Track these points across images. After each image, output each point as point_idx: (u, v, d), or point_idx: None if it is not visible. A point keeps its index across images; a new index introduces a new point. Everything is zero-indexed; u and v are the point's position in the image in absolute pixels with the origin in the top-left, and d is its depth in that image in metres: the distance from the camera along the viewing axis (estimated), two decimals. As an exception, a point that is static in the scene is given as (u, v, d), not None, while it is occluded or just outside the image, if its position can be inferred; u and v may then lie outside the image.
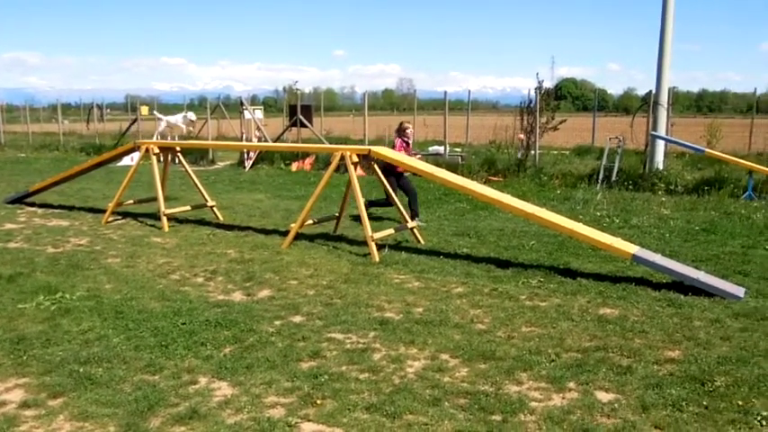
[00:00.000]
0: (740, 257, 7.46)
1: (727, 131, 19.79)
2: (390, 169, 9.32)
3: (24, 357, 4.72)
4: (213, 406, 3.97)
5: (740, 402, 3.90)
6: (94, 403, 4.01)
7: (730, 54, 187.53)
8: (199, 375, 4.42)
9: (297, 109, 19.61)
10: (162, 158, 10.58)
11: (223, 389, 4.22)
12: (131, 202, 10.76)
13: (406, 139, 9.96)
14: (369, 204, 9.74)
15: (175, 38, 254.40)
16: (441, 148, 17.90)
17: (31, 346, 4.92)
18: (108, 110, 37.49)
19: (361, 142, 18.86)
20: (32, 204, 11.78)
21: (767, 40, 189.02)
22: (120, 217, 10.34)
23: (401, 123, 10.27)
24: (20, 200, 12.02)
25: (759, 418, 3.70)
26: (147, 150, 10.16)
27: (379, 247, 7.80)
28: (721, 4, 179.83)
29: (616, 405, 3.91)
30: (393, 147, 9.95)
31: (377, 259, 7.43)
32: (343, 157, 8.21)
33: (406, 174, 9.74)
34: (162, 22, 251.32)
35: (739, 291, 6.05)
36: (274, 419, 3.80)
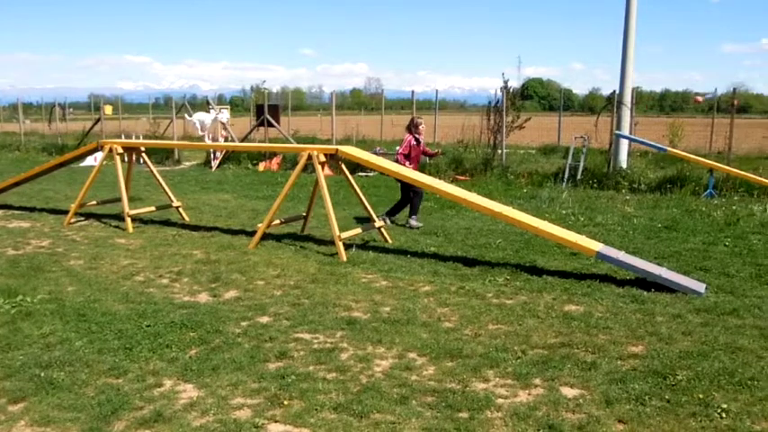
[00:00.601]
0: (701, 254, 7.62)
1: (689, 131, 20.22)
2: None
3: (-17, 362, 4.61)
4: (178, 409, 3.93)
5: (701, 396, 3.97)
6: (56, 408, 3.93)
7: (692, 55, 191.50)
8: (164, 378, 4.36)
9: (264, 108, 19.49)
10: (126, 158, 10.42)
11: (189, 391, 4.17)
12: (94, 202, 10.58)
13: (417, 135, 9.67)
14: (389, 214, 9.69)
15: (140, 36, 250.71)
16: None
17: (-9, 351, 4.81)
18: (71, 109, 36.84)
19: (329, 142, 18.82)
20: (-8, 206, 11.52)
21: (728, 41, 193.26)
22: (82, 218, 10.17)
23: (413, 119, 9.93)
24: (-21, 201, 11.73)
25: (719, 411, 3.78)
26: (110, 150, 10.00)
27: (347, 246, 7.80)
28: (684, 7, 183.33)
29: (581, 400, 3.96)
30: (402, 141, 9.80)
31: (344, 259, 7.42)
32: (310, 157, 8.18)
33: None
34: (126, 20, 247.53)
35: (700, 286, 6.17)
36: (241, 421, 3.77)
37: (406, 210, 9.62)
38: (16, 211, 11.03)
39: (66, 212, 10.19)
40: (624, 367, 4.44)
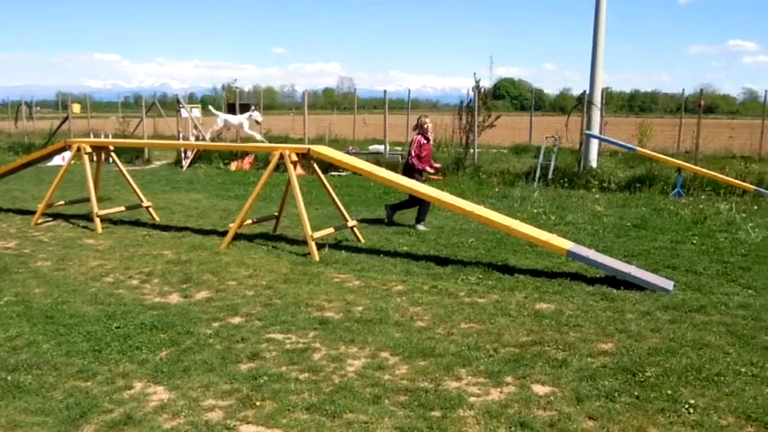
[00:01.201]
0: (669, 252, 7.74)
1: (658, 130, 20.53)
2: (412, 168, 9.38)
3: (-53, 366, 4.52)
4: (149, 411, 3.88)
5: (669, 392, 4.04)
6: (23, 412, 3.86)
7: (661, 56, 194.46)
8: (134, 380, 4.31)
9: (236, 107, 19.34)
10: (95, 158, 10.27)
11: (159, 393, 4.13)
12: (62, 203, 10.41)
13: (426, 134, 9.59)
14: (392, 209, 9.65)
15: (109, 34, 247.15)
16: (381, 147, 17.94)
17: (-45, 355, 4.71)
18: (38, 108, 36.23)
19: (302, 141, 18.74)
20: (-44, 206, 11.28)
21: (695, 43, 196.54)
22: (50, 219, 9.99)
23: (418, 118, 9.84)
24: (-58, 202, 11.48)
25: (687, 407, 3.84)
26: (78, 149, 9.85)
27: (320, 246, 7.78)
28: (653, 8, 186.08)
29: (552, 398, 4.00)
30: (411, 143, 9.65)
31: (317, 258, 7.40)
32: (282, 157, 8.15)
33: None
34: (95, 18, 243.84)
35: (668, 284, 6.27)
36: (212, 423, 3.74)
37: (410, 212, 9.56)
38: (-19, 212, 10.81)
39: (33, 213, 10.01)
40: (594, 364, 4.49)
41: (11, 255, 7.78)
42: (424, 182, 9.34)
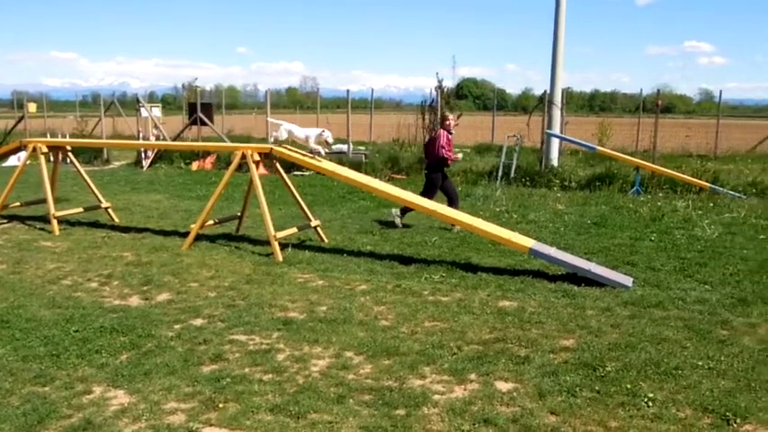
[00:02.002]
0: (628, 249, 7.88)
1: (617, 130, 20.88)
2: (443, 162, 9.33)
3: None
4: (109, 416, 3.81)
5: (629, 386, 4.11)
6: (-23, 419, 3.76)
7: (620, 57, 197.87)
8: (93, 384, 4.23)
9: (197, 107, 19.13)
10: (51, 158, 10.05)
11: (120, 397, 4.06)
12: (18, 204, 10.15)
13: (450, 129, 9.56)
14: (402, 211, 9.29)
15: (67, 31, 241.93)
16: (344, 147, 17.92)
17: None
18: (-8, 107, 35.32)
19: (264, 141, 18.61)
20: None
21: (653, 43, 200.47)
22: (5, 221, 9.74)
23: (443, 115, 9.93)
24: None
25: (646, 400, 3.91)
26: (34, 149, 9.62)
27: (283, 246, 7.73)
28: (612, 9, 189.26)
29: (515, 394, 4.04)
30: (436, 140, 9.44)
31: (280, 259, 7.35)
32: (244, 156, 8.07)
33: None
34: (52, 15, 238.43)
35: (628, 280, 6.38)
36: (174, 426, 3.68)
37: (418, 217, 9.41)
38: (-67, 214, 10.49)
39: (-13, 215, 9.75)
40: (556, 360, 4.55)
41: (-36, 258, 7.57)
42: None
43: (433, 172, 9.43)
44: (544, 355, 4.65)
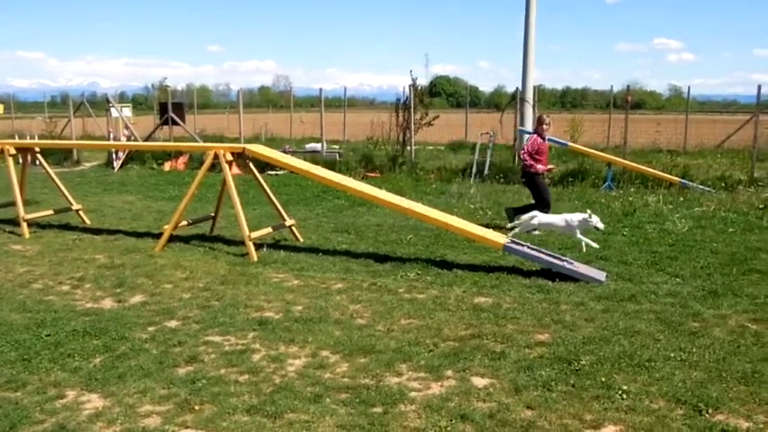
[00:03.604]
0: (601, 244, 7.95)
1: (588, 126, 21.07)
2: (532, 171, 8.86)
3: None
4: (83, 420, 3.76)
5: (603, 379, 4.16)
6: (-54, 426, 3.69)
7: (590, 54, 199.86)
8: (66, 389, 4.17)
9: (168, 106, 18.95)
10: (20, 160, 9.88)
11: (93, 401, 4.01)
12: (-14, 207, 9.98)
13: (543, 134, 9.07)
14: (514, 212, 8.93)
15: (34, 30, 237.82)
16: (318, 146, 17.88)
17: None
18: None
19: (237, 140, 18.50)
20: None
21: (623, 41, 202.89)
22: (-27, 224, 9.57)
23: (539, 116, 9.31)
24: None
25: (620, 393, 3.96)
26: (2, 151, 9.45)
27: (258, 246, 7.69)
28: (582, 7, 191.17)
29: (491, 389, 4.06)
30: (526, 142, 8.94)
31: (255, 259, 7.31)
32: (217, 156, 8.01)
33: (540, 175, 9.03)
34: (18, 14, 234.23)
35: (601, 275, 6.46)
36: (150, 429, 3.65)
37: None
38: None
39: (-46, 218, 9.56)
40: (531, 355, 4.59)
41: (-70, 263, 7.42)
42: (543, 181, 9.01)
43: (530, 178, 8.97)
44: (519, 350, 4.68)
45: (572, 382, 4.14)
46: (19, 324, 5.32)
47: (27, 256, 7.70)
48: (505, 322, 5.27)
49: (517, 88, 15.35)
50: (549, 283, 6.29)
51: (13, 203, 9.27)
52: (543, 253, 6.84)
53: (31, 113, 33.76)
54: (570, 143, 15.16)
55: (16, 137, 20.67)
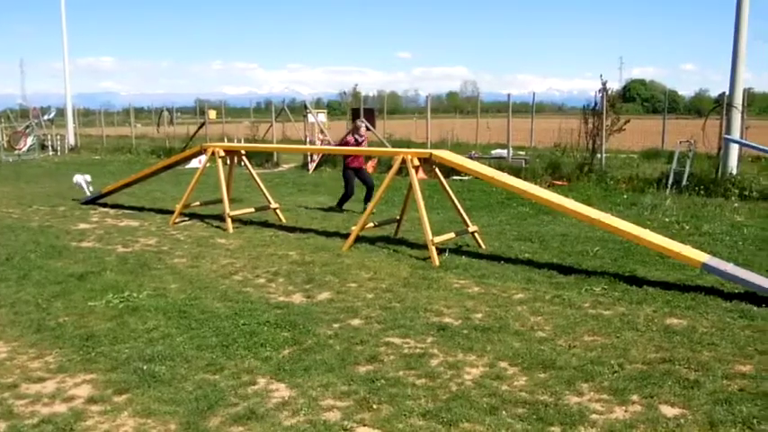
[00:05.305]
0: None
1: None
2: None
3: (92, 354, 4.89)
4: (271, 407, 4.02)
5: (817, 422, 3.70)
6: (157, 401, 4.11)
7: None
8: (258, 376, 4.48)
9: (360, 112, 19.74)
10: (228, 161, 10.80)
11: (281, 390, 4.27)
12: (198, 203, 11.01)
13: None
14: None
15: (246, 43, 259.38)
16: (504, 152, 17.71)
17: (99, 343, 5.09)
18: (178, 113, 38.58)
19: (424, 146, 18.83)
20: (105, 205, 12.22)
21: None
22: (186, 218, 10.61)
23: None
24: (94, 201, 12.48)
25: (837, 440, 3.50)
26: (213, 153, 10.39)
27: (440, 251, 7.76)
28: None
29: (682, 420, 3.76)
30: None
31: (437, 263, 7.39)
32: (404, 161, 8.21)
33: None
34: (234, 28, 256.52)
35: (818, 303, 5.74)
36: (330, 423, 3.81)
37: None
38: (127, 211, 11.65)
39: (171, 212, 10.67)
40: (730, 387, 4.18)
41: (151, 252, 8.32)
42: None
43: None
44: (716, 380, 4.29)
45: (778, 421, 3.72)
46: (220, 312, 5.81)
47: (230, 250, 8.39)
48: (701, 348, 4.86)
49: (723, 92, 14.13)
50: (754, 308, 5.70)
51: (221, 201, 10.15)
52: (748, 274, 6.22)
53: (239, 118, 36.80)
54: (785, 153, 13.70)
55: (225, 140, 22.62)
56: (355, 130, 11.49)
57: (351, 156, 11.15)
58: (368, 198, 10.93)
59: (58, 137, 28.44)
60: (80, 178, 13.99)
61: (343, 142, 11.29)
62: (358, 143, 11.34)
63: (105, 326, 5.49)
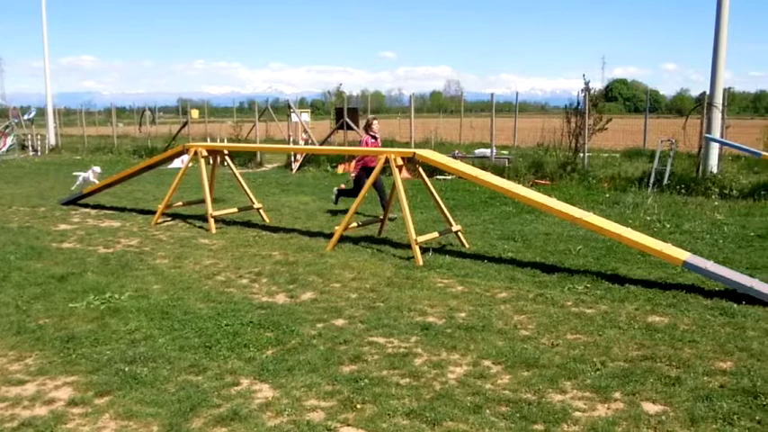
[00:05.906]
0: (798, 265, 7.18)
1: (786, 134, 19.16)
2: None
3: (73, 356, 4.84)
4: (254, 408, 4.00)
5: (796, 417, 3.74)
6: (139, 402, 4.08)
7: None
8: (241, 377, 4.46)
9: (343, 112, 19.72)
10: (210, 161, 10.74)
11: (264, 391, 4.25)
12: (180, 203, 10.95)
13: None
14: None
15: (227, 42, 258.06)
16: (487, 151, 17.74)
17: (81, 345, 5.04)
18: (160, 113, 38.32)
19: (408, 145, 18.84)
20: (86, 206, 12.11)
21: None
22: (169, 218, 10.54)
23: None
24: (74, 201, 12.36)
25: (816, 435, 3.55)
26: (195, 153, 10.33)
27: (424, 250, 7.77)
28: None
29: (663, 417, 3.79)
30: None
31: (421, 263, 7.40)
32: (387, 160, 8.21)
33: None
34: (215, 27, 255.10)
35: (796, 300, 5.81)
36: (314, 423, 3.80)
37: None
38: (108, 211, 11.56)
39: (153, 212, 10.60)
40: (711, 384, 4.23)
41: (133, 252, 8.26)
42: None
43: None
44: (697, 377, 4.33)
45: (758, 417, 3.76)
46: (203, 313, 5.77)
47: (213, 250, 8.34)
48: (682, 345, 4.90)
49: (704, 92, 14.25)
50: (735, 305, 5.76)
51: (203, 201, 10.09)
52: (728, 272, 6.29)
53: (222, 118, 36.61)
54: (765, 152, 13.84)
55: (208, 139, 22.50)
56: (368, 126, 10.67)
57: (366, 156, 10.14)
58: (383, 202, 9.92)
59: (39, 137, 28.14)
60: (91, 172, 14.36)
61: (363, 143, 10.46)
62: (375, 140, 10.64)
63: (86, 327, 5.44)
